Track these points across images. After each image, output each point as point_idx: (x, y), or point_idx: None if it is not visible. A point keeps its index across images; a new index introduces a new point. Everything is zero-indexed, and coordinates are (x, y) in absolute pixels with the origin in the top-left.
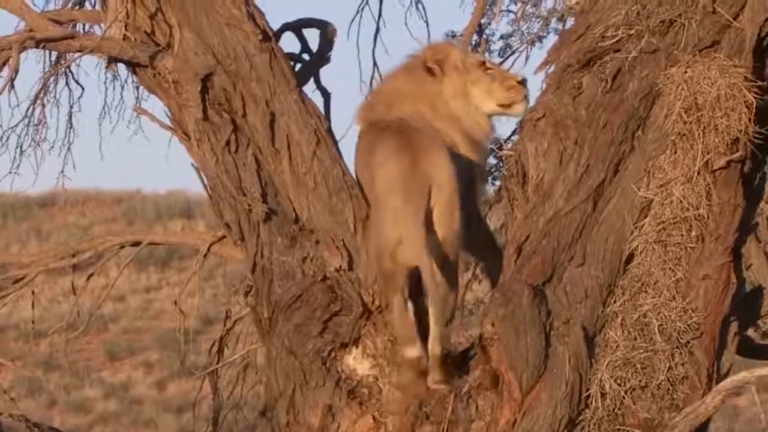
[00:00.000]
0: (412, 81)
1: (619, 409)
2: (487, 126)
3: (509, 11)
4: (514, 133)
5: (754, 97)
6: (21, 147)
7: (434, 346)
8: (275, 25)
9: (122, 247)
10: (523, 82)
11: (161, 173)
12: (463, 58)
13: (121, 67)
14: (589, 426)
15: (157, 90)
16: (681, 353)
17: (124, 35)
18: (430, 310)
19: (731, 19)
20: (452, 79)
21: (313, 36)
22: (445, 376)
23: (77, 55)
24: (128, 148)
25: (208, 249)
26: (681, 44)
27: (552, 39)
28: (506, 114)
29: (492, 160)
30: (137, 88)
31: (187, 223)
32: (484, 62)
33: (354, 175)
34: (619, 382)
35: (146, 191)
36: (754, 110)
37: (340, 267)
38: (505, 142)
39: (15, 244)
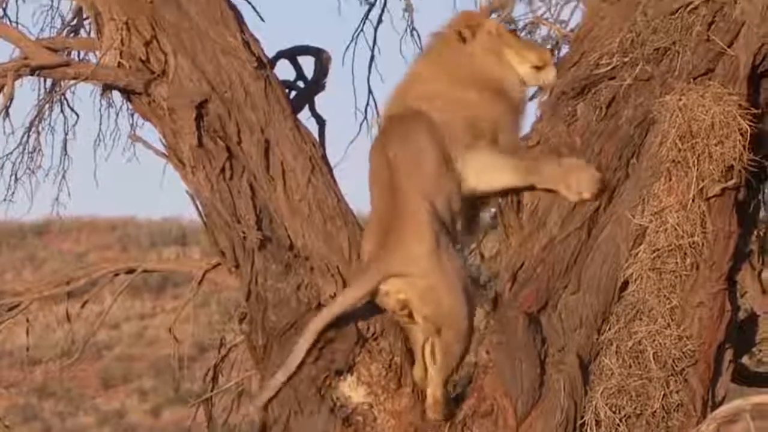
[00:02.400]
0: (432, 57)
1: None
2: (517, 83)
3: None
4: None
5: (749, 125)
6: (16, 174)
7: (435, 391)
8: (270, 53)
9: (117, 275)
10: (552, 51)
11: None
12: (497, 25)
13: (116, 94)
14: None
15: (151, 117)
16: (676, 381)
17: (119, 63)
18: (437, 361)
19: (725, 47)
20: (485, 41)
21: (308, 63)
22: (444, 414)
23: (72, 82)
24: (123, 175)
25: (203, 276)
26: (675, 72)
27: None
28: (538, 79)
29: None
30: (132, 115)
31: (182, 250)
32: (515, 31)
33: (347, 203)
34: (614, 409)
35: (141, 218)
36: (748, 138)
37: (335, 294)
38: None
39: (9, 272)
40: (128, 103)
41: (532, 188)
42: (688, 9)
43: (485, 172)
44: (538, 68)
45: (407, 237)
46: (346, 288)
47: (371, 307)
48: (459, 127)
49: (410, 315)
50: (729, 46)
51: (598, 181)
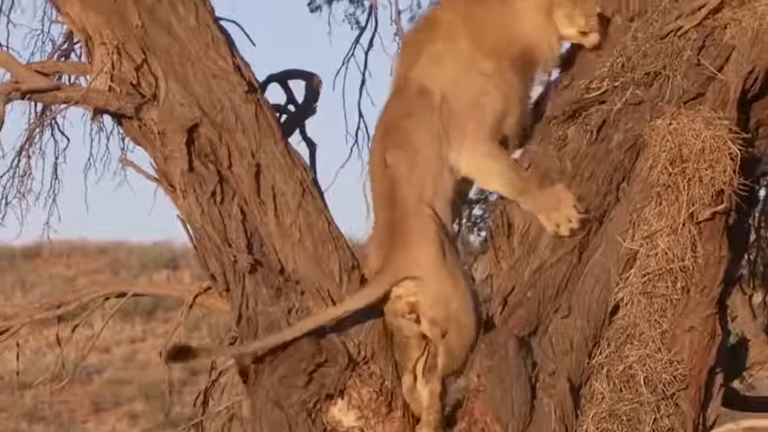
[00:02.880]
0: (471, 5)
1: None
2: (555, 49)
3: None
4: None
5: (739, 149)
6: (6, 198)
7: (429, 414)
8: (261, 77)
9: (107, 299)
10: (601, 15)
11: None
12: None
13: (107, 118)
14: None
15: (142, 141)
16: (667, 405)
17: (110, 87)
18: (440, 364)
19: (715, 72)
20: None
21: (299, 87)
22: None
23: (63, 106)
24: (113, 199)
25: (194, 300)
26: (666, 96)
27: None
28: (581, 41)
29: (477, 211)
30: (123, 139)
31: (173, 274)
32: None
33: (338, 227)
34: None
35: (131, 242)
36: (738, 162)
37: None
38: (491, 193)
39: None
40: (119, 127)
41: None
42: (678, 33)
43: (480, 172)
44: (583, 33)
45: (414, 241)
46: (359, 291)
47: (363, 332)
48: (466, 111)
49: (417, 320)
50: (719, 71)
51: (577, 222)
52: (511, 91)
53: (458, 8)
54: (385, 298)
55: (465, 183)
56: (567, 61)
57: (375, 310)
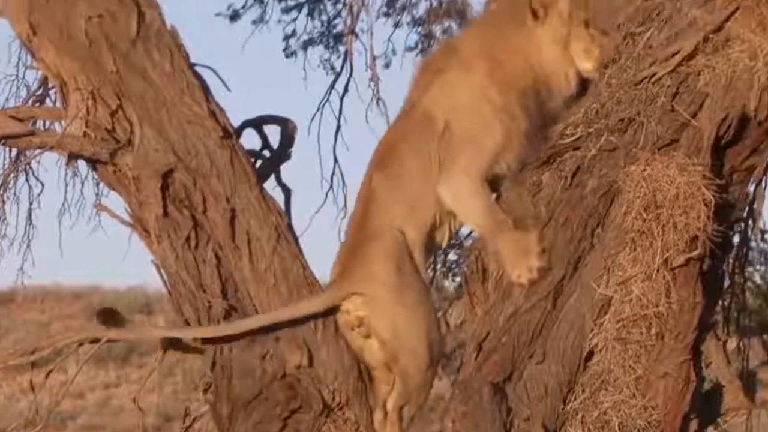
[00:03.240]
0: (488, 30)
1: None
2: (572, 83)
3: None
4: (460, 228)
5: (713, 195)
6: None
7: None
8: (236, 122)
9: (81, 344)
10: (618, 48)
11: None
12: (571, 9)
13: (82, 163)
14: None
15: (117, 186)
16: None
17: (85, 132)
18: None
19: (689, 118)
20: (555, 25)
21: (274, 133)
22: None
23: (38, 152)
24: (88, 244)
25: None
26: (640, 142)
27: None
28: (593, 75)
29: (452, 256)
30: (97, 184)
31: (147, 319)
32: (588, 21)
33: (313, 273)
34: None
35: (106, 287)
36: (712, 208)
37: (300, 364)
38: (465, 238)
39: None
40: (93, 172)
41: None
42: (652, 80)
43: (459, 205)
44: (597, 67)
45: (371, 260)
46: (306, 299)
47: (338, 378)
48: (464, 143)
49: (367, 335)
50: (693, 117)
51: (536, 274)
52: (516, 127)
53: (477, 37)
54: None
55: (453, 216)
56: None
57: (351, 354)
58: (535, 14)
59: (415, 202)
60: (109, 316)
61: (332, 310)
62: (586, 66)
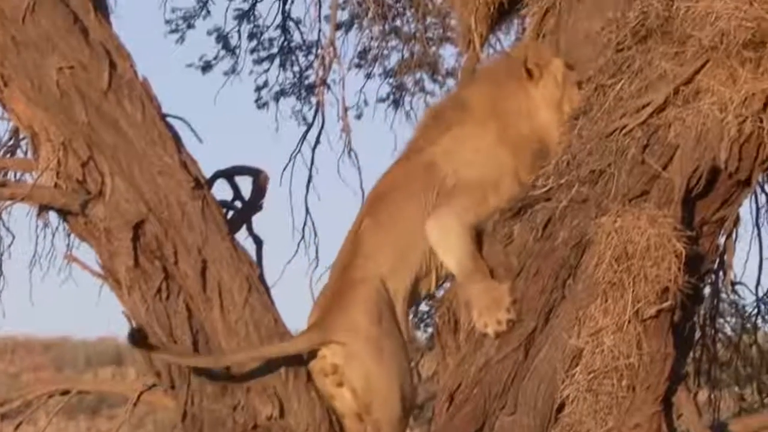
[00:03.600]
0: (490, 87)
1: None
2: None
3: None
4: (445, 280)
5: (684, 247)
6: None
7: None
8: (208, 173)
9: (51, 396)
10: None
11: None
12: (564, 72)
13: (53, 214)
14: None
15: (88, 237)
16: None
17: (56, 183)
18: None
19: (660, 170)
20: (549, 88)
21: (245, 183)
22: None
23: (8, 203)
24: (58, 294)
25: (138, 397)
26: (611, 194)
27: None
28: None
29: (424, 307)
30: (68, 235)
31: (118, 370)
32: (581, 83)
33: (284, 324)
34: None
35: (76, 338)
36: (683, 260)
37: (272, 415)
38: (437, 289)
39: None
40: (65, 223)
41: None
42: (623, 132)
43: (442, 243)
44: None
45: (351, 308)
46: (283, 342)
47: (309, 429)
48: (465, 189)
49: (340, 384)
50: (664, 169)
51: (505, 327)
52: (516, 190)
53: (488, 94)
54: (313, 355)
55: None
56: None
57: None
58: (529, 73)
59: (404, 251)
60: (140, 337)
61: (303, 357)
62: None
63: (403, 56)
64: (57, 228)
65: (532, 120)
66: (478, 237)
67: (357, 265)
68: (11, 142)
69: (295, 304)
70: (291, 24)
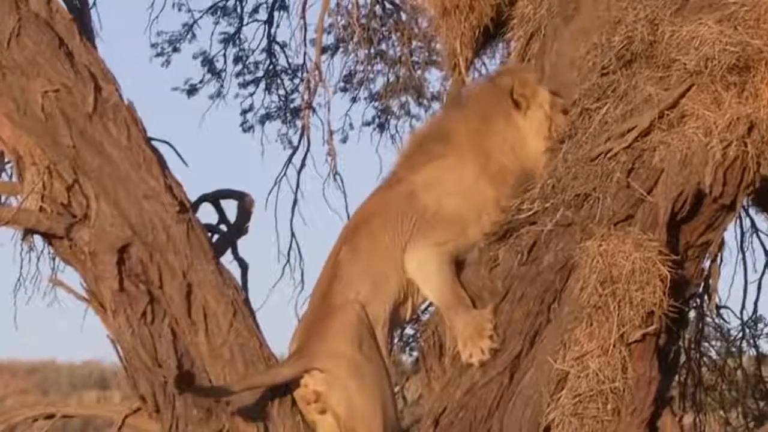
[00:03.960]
0: (475, 120)
1: None
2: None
3: None
4: (431, 304)
5: (669, 271)
6: None
7: None
8: (193, 196)
9: (35, 420)
10: None
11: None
12: (551, 99)
13: (38, 238)
14: None
15: (73, 261)
16: None
17: (41, 207)
18: None
19: (645, 194)
20: (538, 118)
21: (230, 207)
22: None
23: None
24: (43, 318)
25: (123, 421)
26: (596, 218)
27: None
28: None
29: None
30: (53, 259)
31: (102, 394)
32: (567, 110)
33: (269, 348)
34: None
35: (61, 361)
36: (668, 284)
37: None
38: (423, 313)
39: None
40: (50, 246)
41: None
42: (608, 156)
43: (421, 275)
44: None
45: (332, 335)
46: (265, 372)
47: None
48: (446, 222)
49: (323, 411)
50: (648, 193)
51: (488, 355)
52: (498, 218)
53: (469, 126)
54: (295, 383)
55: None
56: None
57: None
58: (517, 104)
59: (382, 277)
60: (186, 379)
61: (288, 384)
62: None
63: (388, 80)
64: (42, 251)
65: (519, 151)
66: (459, 265)
67: (336, 291)
68: None
69: (280, 328)
70: (277, 48)
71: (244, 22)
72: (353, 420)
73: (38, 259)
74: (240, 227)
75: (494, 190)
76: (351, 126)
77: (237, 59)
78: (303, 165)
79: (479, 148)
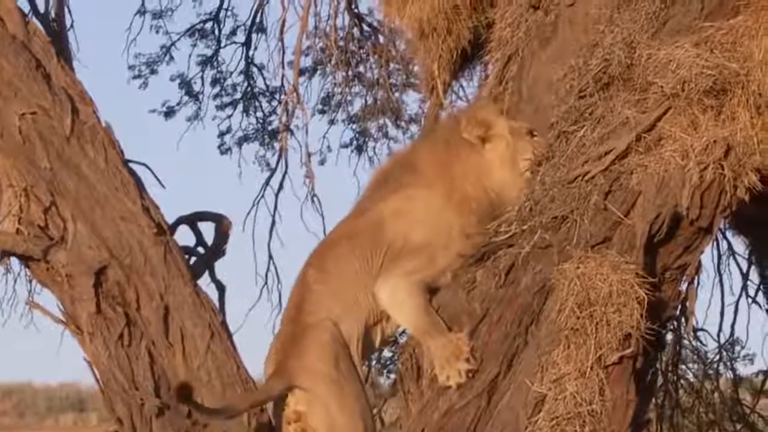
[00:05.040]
0: (440, 150)
1: None
2: (516, 192)
3: None
4: (396, 334)
5: (646, 293)
6: None
7: None
8: (170, 219)
9: None
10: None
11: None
12: (511, 127)
13: (14, 260)
14: None
15: (50, 283)
16: None
17: (18, 229)
18: None
19: (622, 216)
20: (500, 149)
21: (208, 229)
22: None
23: None
24: (20, 340)
25: None
26: (573, 240)
27: None
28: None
29: (387, 353)
30: (30, 281)
31: (80, 416)
32: (531, 131)
33: (247, 370)
34: None
35: (37, 384)
36: (645, 306)
37: None
38: (400, 335)
39: None
40: (26, 269)
41: None
42: (586, 178)
43: (394, 305)
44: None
45: (308, 352)
46: (258, 390)
47: None
48: (414, 252)
49: (304, 430)
50: (626, 216)
51: (465, 377)
52: (465, 249)
53: (435, 155)
54: (276, 403)
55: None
56: None
57: None
58: (482, 141)
59: (352, 300)
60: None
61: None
62: (528, 172)
63: (366, 102)
64: (19, 274)
65: (485, 180)
66: (432, 292)
67: (308, 310)
68: None
69: (258, 350)
70: (254, 70)
71: (222, 45)
72: None
73: (15, 281)
74: (217, 249)
75: (460, 218)
76: (329, 148)
77: (215, 81)
78: (281, 187)
79: (445, 177)
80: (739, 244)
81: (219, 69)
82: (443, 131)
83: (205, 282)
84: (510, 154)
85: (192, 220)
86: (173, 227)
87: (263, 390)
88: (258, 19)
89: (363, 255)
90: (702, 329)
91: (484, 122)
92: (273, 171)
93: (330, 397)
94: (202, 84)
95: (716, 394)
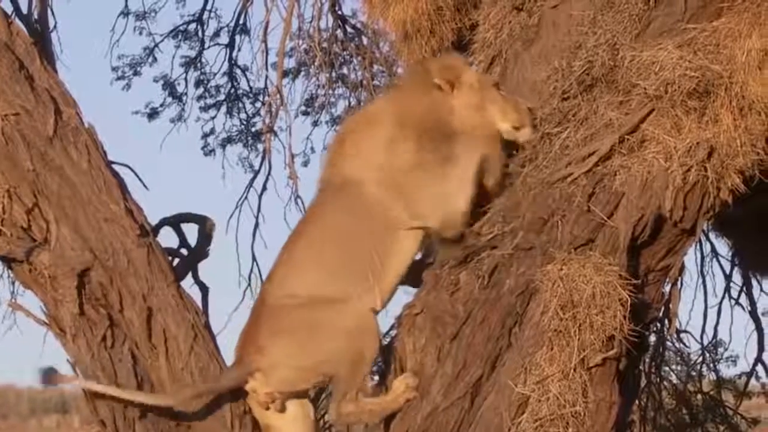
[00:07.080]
0: (401, 99)
1: None
2: (500, 138)
3: None
4: (392, 328)
5: (629, 295)
6: None
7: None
8: (154, 220)
9: None
10: (531, 110)
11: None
12: (479, 77)
13: None
14: None
15: (33, 285)
16: None
17: (0, 230)
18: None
19: (605, 218)
20: (466, 94)
21: (191, 230)
22: None
23: None
24: (2, 342)
25: None
26: (556, 242)
27: None
28: (515, 137)
29: None
30: (13, 283)
31: (63, 418)
32: (497, 84)
33: None
34: None
35: (20, 386)
36: (628, 308)
37: None
38: (384, 336)
39: None
40: (9, 270)
41: None
42: (569, 180)
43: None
44: (516, 128)
45: (258, 333)
46: (213, 380)
47: None
48: (394, 205)
49: (283, 408)
50: (609, 217)
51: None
52: (448, 164)
53: (385, 100)
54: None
55: None
56: None
57: None
58: (442, 88)
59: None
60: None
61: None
62: (503, 126)
63: (350, 104)
64: (1, 275)
65: (456, 121)
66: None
67: (267, 292)
68: None
69: None
70: (238, 71)
71: (206, 46)
72: (314, 366)
73: None
74: (201, 251)
75: (415, 140)
76: (312, 150)
77: (198, 83)
78: (264, 188)
79: (394, 111)
80: (722, 246)
81: (202, 70)
82: (406, 81)
83: (188, 283)
84: (477, 101)
85: (175, 221)
86: (156, 229)
87: (215, 378)
88: (241, 21)
89: (333, 217)
90: (685, 331)
91: (455, 68)
92: (256, 172)
93: (282, 349)
94: (186, 85)
95: (699, 396)
